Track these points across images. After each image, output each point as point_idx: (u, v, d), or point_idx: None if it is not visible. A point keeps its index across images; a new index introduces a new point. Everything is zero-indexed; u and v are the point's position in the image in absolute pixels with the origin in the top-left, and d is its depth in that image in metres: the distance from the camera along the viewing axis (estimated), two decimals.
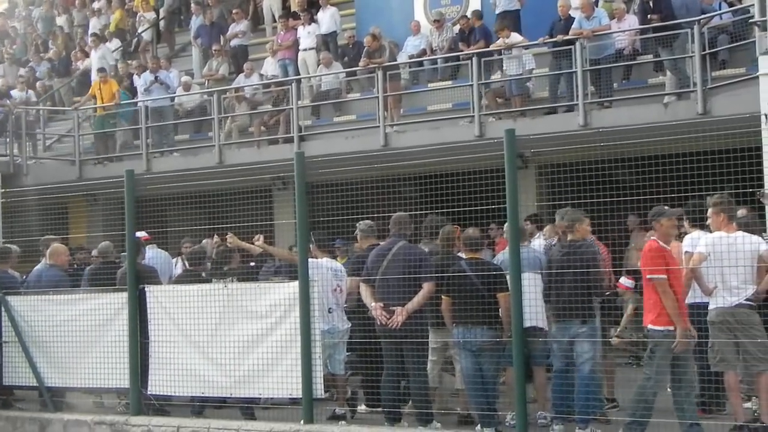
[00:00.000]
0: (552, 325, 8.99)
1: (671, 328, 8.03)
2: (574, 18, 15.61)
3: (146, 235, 11.85)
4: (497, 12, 17.22)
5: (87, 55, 22.71)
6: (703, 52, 13.60)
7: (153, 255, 12.13)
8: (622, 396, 9.52)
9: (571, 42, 14.98)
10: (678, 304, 8.09)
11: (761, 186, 9.12)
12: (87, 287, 11.28)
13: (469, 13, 17.84)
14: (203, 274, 11.02)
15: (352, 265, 10.27)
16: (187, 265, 11.55)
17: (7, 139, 19.33)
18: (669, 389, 8.38)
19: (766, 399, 8.39)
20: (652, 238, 8.39)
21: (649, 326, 8.18)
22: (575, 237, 8.90)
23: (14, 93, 21.01)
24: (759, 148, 9.05)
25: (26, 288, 11.61)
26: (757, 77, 11.48)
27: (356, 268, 9.94)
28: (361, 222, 10.40)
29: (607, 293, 9.55)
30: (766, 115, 8.12)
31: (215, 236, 12.47)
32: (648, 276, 8.11)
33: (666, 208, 8.58)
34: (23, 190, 14.39)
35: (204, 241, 12.55)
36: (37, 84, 22.96)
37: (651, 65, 15.48)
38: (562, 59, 15.20)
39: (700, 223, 9.13)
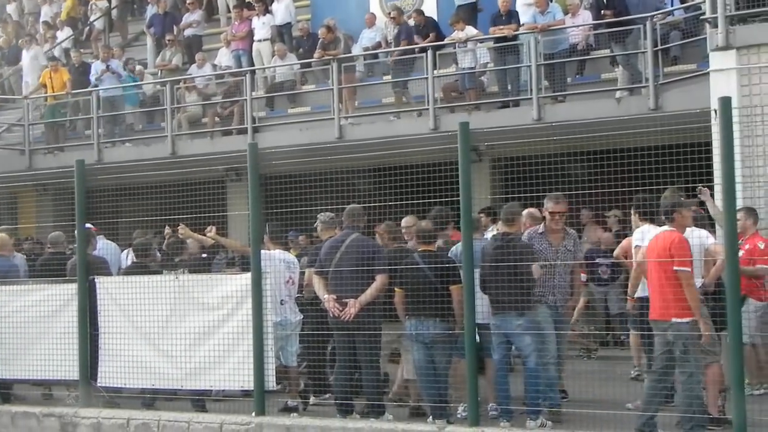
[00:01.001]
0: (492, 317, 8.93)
1: (694, 318, 7.92)
2: (515, 12, 15.71)
3: (93, 226, 11.67)
4: (457, 5, 17.24)
5: (37, 42, 22.35)
6: (656, 48, 13.74)
7: (101, 246, 11.97)
8: (572, 387, 9.58)
9: (515, 37, 15.11)
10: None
11: (711, 181, 9.22)
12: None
13: (421, 8, 17.82)
14: (151, 265, 10.93)
15: (311, 257, 10.21)
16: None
17: None
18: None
19: (713, 390, 8.51)
20: (668, 229, 8.12)
21: (674, 320, 7.89)
22: (511, 230, 8.93)
23: None
24: (709, 144, 9.15)
25: None
26: (708, 73, 11.60)
27: (315, 260, 9.93)
28: (321, 213, 10.36)
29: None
30: (716, 111, 8.19)
31: (167, 227, 12.36)
32: (675, 267, 7.86)
33: (682, 198, 8.54)
34: None
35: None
36: None
37: (604, 60, 15.61)
38: (508, 54, 15.28)
39: (650, 216, 9.21)
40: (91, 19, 23.72)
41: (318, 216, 10.36)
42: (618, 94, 14.55)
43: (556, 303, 9.12)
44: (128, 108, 19.01)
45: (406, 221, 10.10)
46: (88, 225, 11.03)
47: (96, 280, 10.20)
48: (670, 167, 8.36)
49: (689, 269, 7.93)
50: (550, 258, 9.09)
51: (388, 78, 17.19)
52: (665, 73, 14.03)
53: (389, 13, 17.81)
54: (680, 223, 8.16)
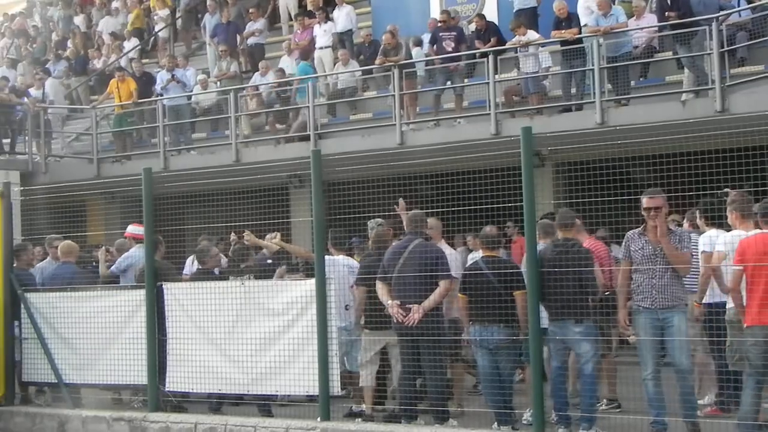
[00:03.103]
0: (550, 324, 8.81)
1: None
2: (576, 15, 15.60)
3: (140, 233, 11.56)
4: (514, 10, 17.20)
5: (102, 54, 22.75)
6: (722, 50, 13.54)
7: (133, 253, 11.80)
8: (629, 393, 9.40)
9: (580, 41, 15.01)
10: None
11: None
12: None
13: (482, 12, 17.79)
14: (215, 271, 11.07)
15: (364, 263, 10.21)
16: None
17: (26, 138, 19.46)
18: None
19: None
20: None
21: None
22: (568, 235, 8.85)
23: (32, 92, 21.13)
24: None
25: (42, 285, 11.67)
26: None
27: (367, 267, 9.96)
28: (371, 221, 10.40)
29: (607, 292, 9.45)
30: None
31: (232, 234, 12.50)
32: None
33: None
34: (41, 188, 14.46)
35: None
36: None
37: (669, 63, 15.42)
38: (574, 59, 15.19)
39: (718, 221, 9.09)
40: (156, 30, 24.10)
41: (368, 223, 10.40)
42: (683, 96, 14.37)
43: (654, 306, 8.35)
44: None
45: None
46: (137, 229, 11.10)
47: (164, 286, 10.35)
48: (737, 170, 8.23)
49: None
50: (648, 258, 8.46)
51: (450, 83, 17.15)
52: (732, 75, 13.83)
53: (444, 17, 17.68)
54: None
